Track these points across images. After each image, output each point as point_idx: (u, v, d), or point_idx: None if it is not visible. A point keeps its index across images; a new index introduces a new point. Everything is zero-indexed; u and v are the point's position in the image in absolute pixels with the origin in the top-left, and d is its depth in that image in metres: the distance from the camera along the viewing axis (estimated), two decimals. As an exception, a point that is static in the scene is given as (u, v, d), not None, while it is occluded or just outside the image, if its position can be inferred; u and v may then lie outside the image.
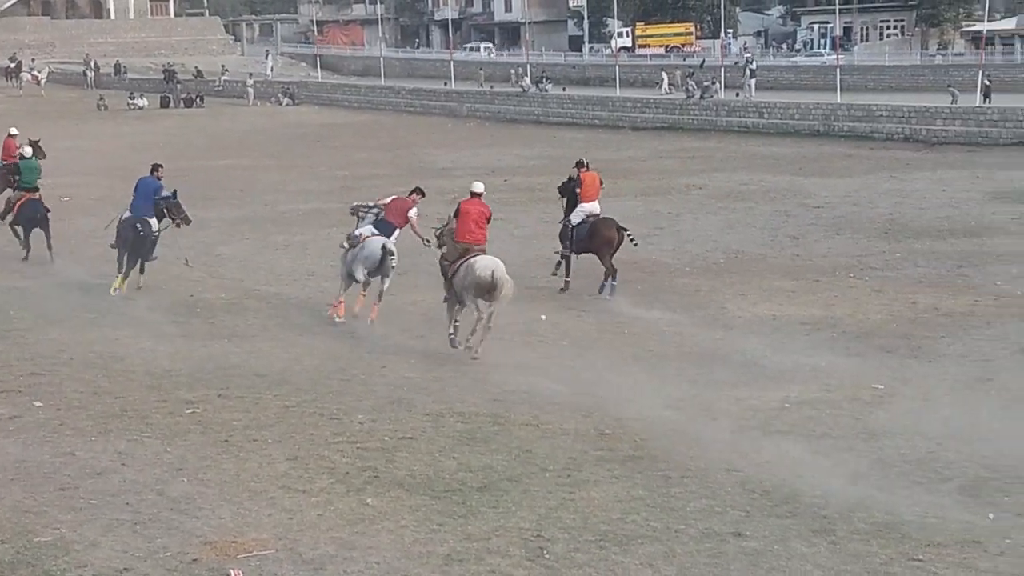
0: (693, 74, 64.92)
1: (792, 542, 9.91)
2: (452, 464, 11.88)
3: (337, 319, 18.78)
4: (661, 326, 18.99)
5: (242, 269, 24.16)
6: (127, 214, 20.72)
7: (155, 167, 21.13)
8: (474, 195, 17.49)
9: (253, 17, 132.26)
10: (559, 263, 21.70)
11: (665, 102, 61.38)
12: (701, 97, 59.45)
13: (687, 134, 54.70)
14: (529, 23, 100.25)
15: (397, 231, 18.79)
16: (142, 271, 21.11)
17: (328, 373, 15.70)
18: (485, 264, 16.33)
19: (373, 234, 18.70)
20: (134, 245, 20.54)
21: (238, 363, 16.20)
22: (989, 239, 26.23)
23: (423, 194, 19.37)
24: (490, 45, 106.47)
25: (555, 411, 13.93)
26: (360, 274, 18.63)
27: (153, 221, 20.74)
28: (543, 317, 18.88)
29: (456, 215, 17.37)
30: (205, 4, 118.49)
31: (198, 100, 75.34)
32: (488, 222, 17.30)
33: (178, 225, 21.16)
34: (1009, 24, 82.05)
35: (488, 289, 16.23)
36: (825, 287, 21.63)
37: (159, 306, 20.06)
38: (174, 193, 21.09)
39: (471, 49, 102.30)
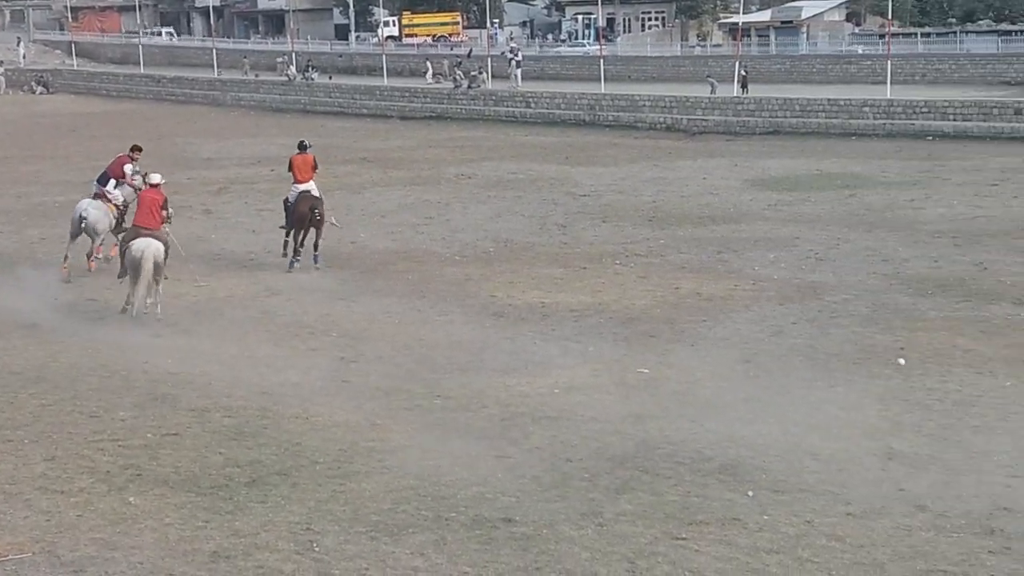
0: (461, 64, 65.17)
1: (561, 526, 10.04)
2: (219, 459, 11.64)
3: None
4: (432, 315, 19.00)
5: (-5, 264, 23.18)
6: None
7: None
8: (152, 186, 19.06)
9: (3, 3, 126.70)
10: (285, 241, 22.58)
11: (433, 92, 61.54)
12: (469, 87, 59.80)
13: (456, 123, 55.03)
14: (294, 11, 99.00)
15: (113, 181, 21.69)
16: None
17: (87, 370, 15.18)
18: (138, 245, 18.05)
19: (93, 194, 21.91)
20: None
21: (-9, 361, 15.54)
22: (747, 225, 27.10)
23: (140, 149, 22.48)
24: (171, 30, 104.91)
25: (325, 403, 13.79)
26: (69, 235, 21.51)
27: None
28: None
29: (137, 204, 19.31)
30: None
31: (-55, 89, 72.19)
32: (163, 208, 18.79)
33: None
34: (764, 16, 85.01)
35: (136, 266, 17.96)
36: (592, 274, 21.99)
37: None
38: None
39: (153, 33, 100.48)
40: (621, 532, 9.95)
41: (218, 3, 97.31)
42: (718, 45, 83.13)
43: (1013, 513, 10.25)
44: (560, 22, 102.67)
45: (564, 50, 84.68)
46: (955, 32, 76.94)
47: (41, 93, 73.21)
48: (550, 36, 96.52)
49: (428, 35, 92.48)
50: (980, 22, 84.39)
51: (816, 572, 9.24)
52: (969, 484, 11.02)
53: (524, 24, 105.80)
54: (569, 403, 14.00)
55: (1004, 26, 79.67)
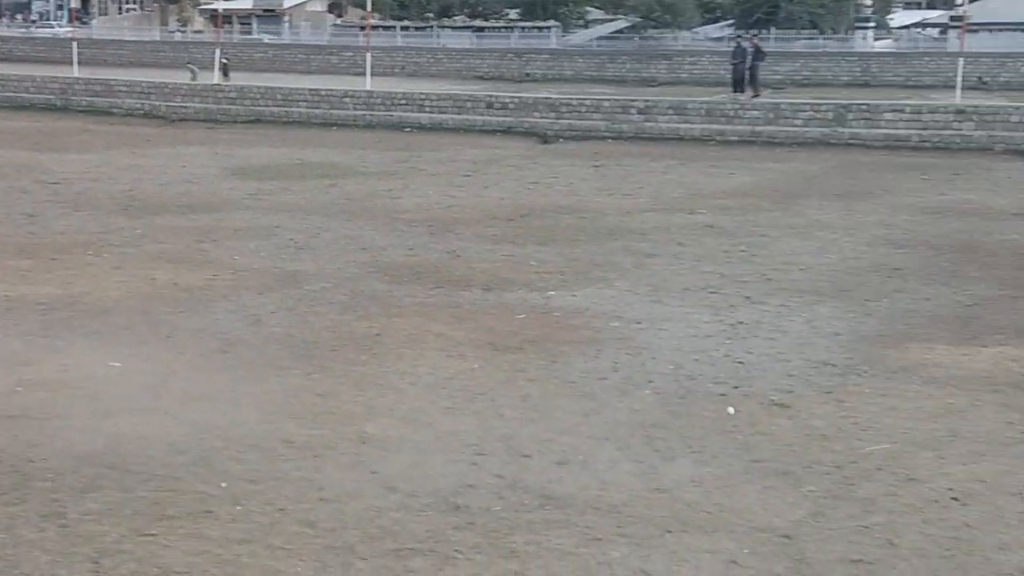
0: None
1: (20, 529, 9.49)
2: None
3: None
4: None
5: None
6: None
7: None
8: None
9: None
10: None
11: None
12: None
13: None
14: None
15: None
16: None
17: None
18: None
19: None
20: None
21: None
22: (227, 214, 26.82)
23: None
24: None
25: None
26: None
27: None
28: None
29: None
30: None
31: None
32: None
33: None
34: (247, 4, 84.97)
35: None
36: (63, 265, 21.01)
37: None
38: None
39: None
40: (86, 532, 9.51)
41: None
42: (199, 31, 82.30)
43: (477, 489, 10.66)
44: (30, 2, 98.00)
45: (34, 31, 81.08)
46: (432, 27, 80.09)
47: None
48: (19, 16, 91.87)
49: None
50: (455, 18, 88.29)
51: (287, 558, 9.20)
52: (437, 464, 11.36)
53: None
54: (33, 401, 13.26)
55: (478, 23, 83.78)
